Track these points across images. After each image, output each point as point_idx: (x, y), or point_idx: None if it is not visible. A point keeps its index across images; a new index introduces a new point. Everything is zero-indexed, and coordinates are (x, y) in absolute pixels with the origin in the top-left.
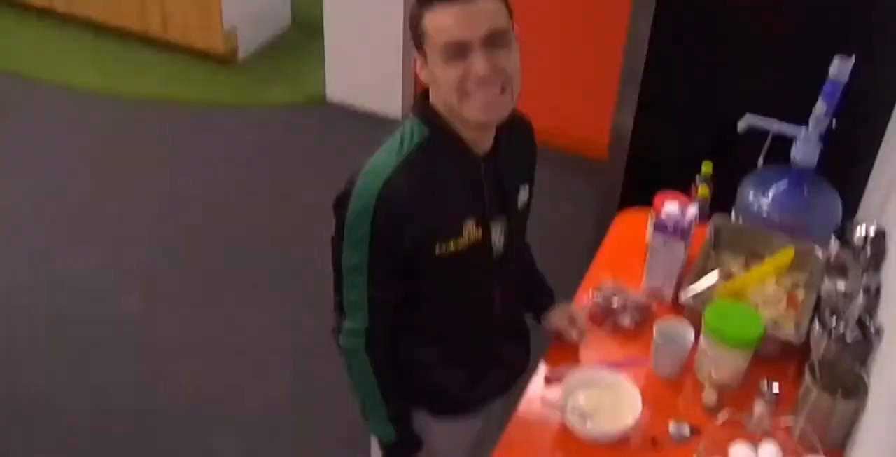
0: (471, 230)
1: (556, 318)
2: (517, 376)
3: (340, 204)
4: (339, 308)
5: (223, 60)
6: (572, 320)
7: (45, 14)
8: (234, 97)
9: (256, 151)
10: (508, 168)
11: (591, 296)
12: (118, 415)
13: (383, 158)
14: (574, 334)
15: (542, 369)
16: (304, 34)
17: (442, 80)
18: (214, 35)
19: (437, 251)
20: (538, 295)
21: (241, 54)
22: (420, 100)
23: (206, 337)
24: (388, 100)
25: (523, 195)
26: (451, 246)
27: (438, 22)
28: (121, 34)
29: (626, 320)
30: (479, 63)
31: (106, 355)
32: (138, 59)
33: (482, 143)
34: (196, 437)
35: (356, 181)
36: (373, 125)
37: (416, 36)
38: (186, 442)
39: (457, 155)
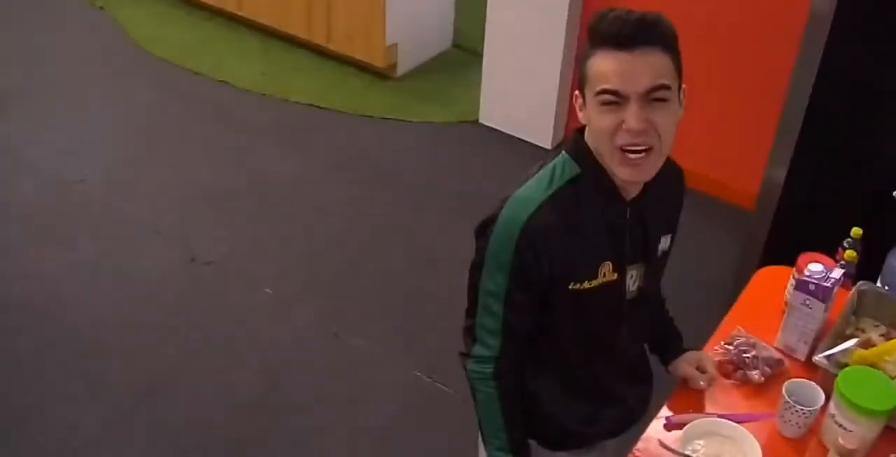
0: (606, 272)
1: (685, 363)
2: (634, 421)
3: (484, 229)
4: (470, 333)
5: (382, 74)
6: (701, 368)
7: (215, 13)
8: (388, 110)
9: (405, 163)
10: (653, 216)
11: (722, 346)
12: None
13: (532, 190)
14: (702, 381)
15: (663, 413)
16: (463, 56)
17: (594, 126)
18: (376, 49)
19: (571, 286)
20: (667, 340)
21: (400, 70)
22: (575, 136)
23: (329, 335)
24: (540, 129)
25: (664, 243)
26: (586, 285)
27: (601, 67)
28: (286, 40)
29: (755, 375)
30: (631, 117)
31: (230, 352)
32: (300, 64)
33: (631, 188)
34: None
35: (503, 208)
36: (522, 151)
37: (580, 76)
38: (295, 445)
39: (604, 197)
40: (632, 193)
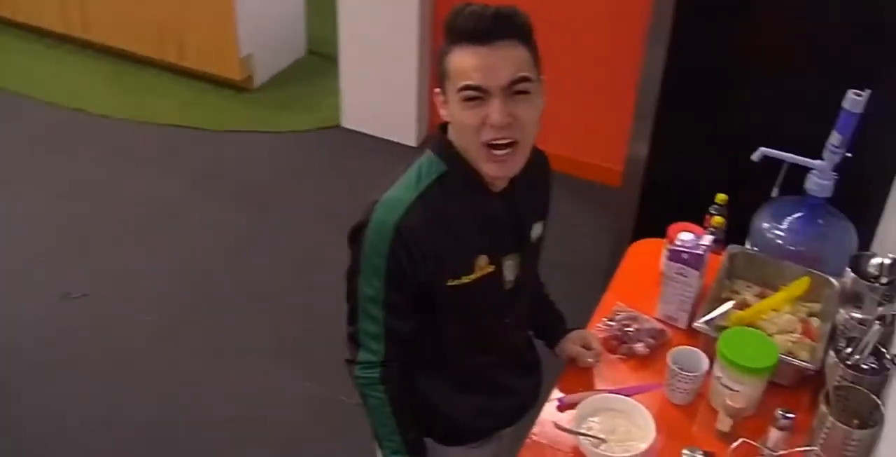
0: (482, 265)
1: (570, 343)
2: (527, 409)
3: (356, 235)
4: (354, 340)
5: (240, 87)
6: (587, 345)
7: (63, 39)
8: (249, 123)
9: (271, 174)
10: (524, 205)
11: (605, 323)
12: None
13: (400, 191)
14: (589, 358)
15: (555, 395)
16: (320, 61)
17: (458, 122)
18: (231, 62)
19: (449, 283)
20: (550, 323)
21: (258, 81)
22: (439, 134)
23: (218, 355)
24: (404, 128)
25: (537, 230)
26: (463, 279)
27: (460, 63)
28: (139, 61)
29: (640, 347)
30: (494, 111)
31: (117, 383)
32: (155, 85)
33: (499, 181)
34: None
35: (372, 213)
36: (387, 152)
37: (439, 73)
38: None
39: (472, 192)
40: (500, 185)
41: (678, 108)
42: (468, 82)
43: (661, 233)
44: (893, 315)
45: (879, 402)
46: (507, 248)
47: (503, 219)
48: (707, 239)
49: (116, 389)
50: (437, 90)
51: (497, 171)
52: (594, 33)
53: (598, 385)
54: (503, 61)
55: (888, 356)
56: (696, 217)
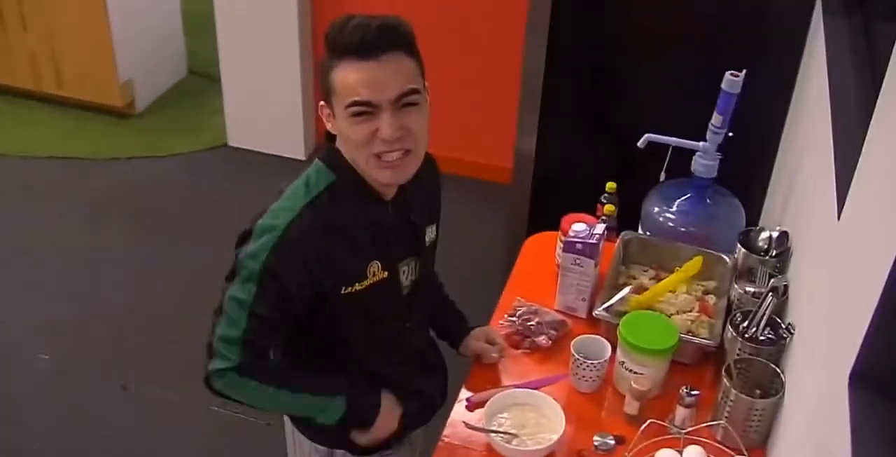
0: (376, 272)
1: (474, 340)
2: (435, 410)
3: (241, 242)
4: (209, 351)
5: (121, 113)
6: (490, 341)
7: None
8: (134, 149)
9: (162, 199)
10: (416, 210)
11: (506, 319)
12: None
13: (288, 202)
14: (494, 354)
15: (463, 395)
16: (201, 81)
17: (347, 137)
18: (110, 88)
19: (343, 291)
20: (452, 323)
21: (139, 106)
22: (326, 144)
23: (117, 396)
24: (291, 142)
25: (430, 234)
26: (356, 286)
27: (347, 79)
28: (14, 93)
29: (542, 339)
30: (385, 126)
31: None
32: (34, 116)
33: (389, 188)
34: None
35: (258, 220)
36: (277, 167)
37: (324, 87)
38: None
39: (363, 200)
40: (390, 193)
41: (562, 100)
42: (356, 98)
43: (555, 226)
44: (785, 286)
45: (779, 370)
46: (401, 254)
47: (395, 226)
48: (600, 228)
49: (15, 430)
50: (322, 104)
51: (390, 177)
52: (474, 31)
53: (505, 381)
54: (391, 75)
55: (783, 326)
56: (591, 207)
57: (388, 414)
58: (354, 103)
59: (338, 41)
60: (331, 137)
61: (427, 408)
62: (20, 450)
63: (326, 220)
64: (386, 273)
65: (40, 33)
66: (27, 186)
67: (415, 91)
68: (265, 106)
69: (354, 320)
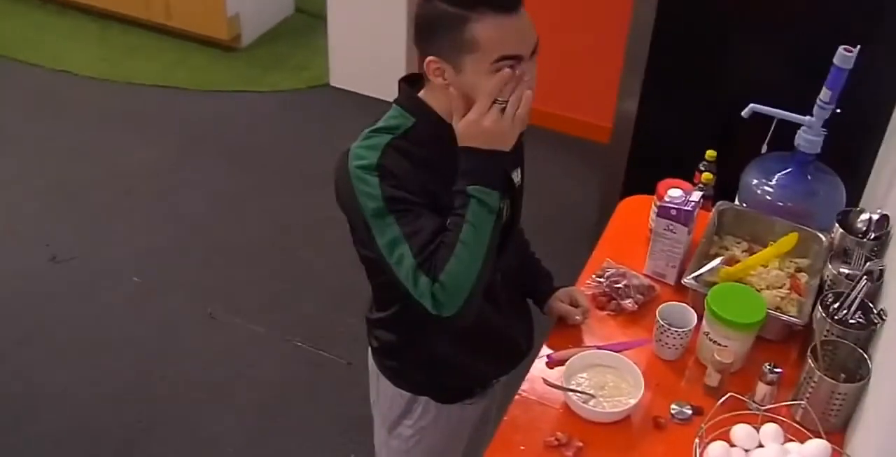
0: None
1: (558, 301)
2: (521, 358)
3: (341, 192)
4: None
5: (227, 47)
6: (574, 303)
7: (47, 1)
8: (236, 83)
9: (260, 135)
10: None
11: (594, 279)
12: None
13: (370, 141)
14: (577, 317)
15: (544, 352)
16: (308, 20)
17: (483, 89)
18: (218, 22)
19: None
20: (538, 281)
21: (245, 41)
22: (404, 89)
23: (202, 314)
24: (392, 86)
25: (516, 177)
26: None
27: (495, 33)
28: (124, 21)
29: (628, 303)
30: (529, 75)
31: (101, 345)
32: (142, 45)
33: None
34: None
35: (348, 165)
36: (377, 110)
37: (448, 42)
38: (184, 431)
39: (445, 143)
40: None
41: (667, 64)
42: (510, 53)
43: (650, 190)
44: (881, 270)
45: (866, 356)
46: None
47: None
48: (696, 195)
49: (102, 352)
50: (433, 59)
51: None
52: None
53: (587, 342)
54: (529, 28)
55: (875, 311)
56: (687, 173)
57: (497, 131)
58: (505, 57)
59: None
60: (408, 83)
61: (513, 353)
62: (108, 369)
63: (410, 156)
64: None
65: None
66: (131, 113)
67: (538, 40)
68: (369, 48)
69: None
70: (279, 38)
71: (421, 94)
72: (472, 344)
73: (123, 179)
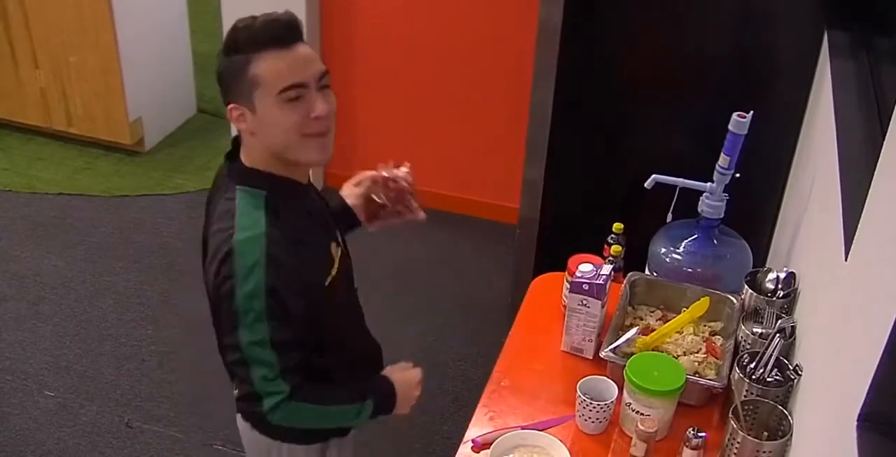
0: (334, 251)
1: (353, 197)
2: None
3: (217, 286)
4: (252, 397)
5: (131, 151)
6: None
7: None
8: (143, 187)
9: (168, 237)
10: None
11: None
12: None
13: (247, 228)
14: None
15: (469, 435)
16: (210, 120)
17: (280, 126)
18: (120, 127)
19: (327, 283)
20: (348, 211)
21: (148, 144)
22: (237, 169)
23: (120, 433)
24: None
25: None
26: (332, 272)
27: (272, 66)
28: (25, 130)
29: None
30: (319, 102)
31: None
32: (44, 153)
33: (306, 174)
34: None
35: (229, 262)
36: None
37: (238, 86)
38: None
39: (296, 196)
40: (305, 178)
41: (569, 141)
42: (292, 81)
43: (561, 266)
44: (792, 327)
45: (787, 412)
46: (333, 228)
47: (319, 205)
48: (607, 268)
49: None
50: (233, 106)
51: (319, 155)
52: (483, 74)
53: (511, 422)
54: (311, 59)
55: (791, 367)
56: (596, 247)
57: (405, 387)
58: (289, 87)
59: (256, 37)
60: (232, 161)
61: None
62: None
63: (285, 232)
64: (340, 250)
65: (51, 71)
66: (35, 223)
67: (327, 72)
68: None
69: (341, 303)
70: (182, 139)
71: (243, 158)
72: (364, 369)
73: (32, 291)
